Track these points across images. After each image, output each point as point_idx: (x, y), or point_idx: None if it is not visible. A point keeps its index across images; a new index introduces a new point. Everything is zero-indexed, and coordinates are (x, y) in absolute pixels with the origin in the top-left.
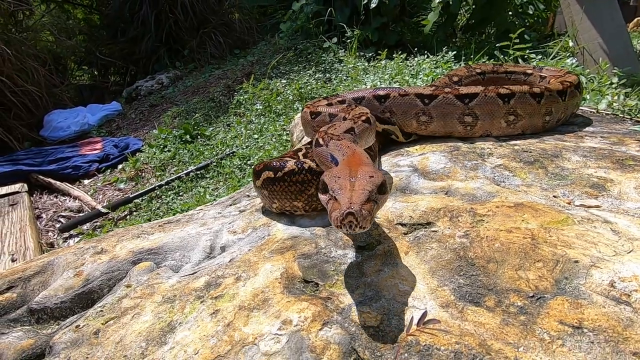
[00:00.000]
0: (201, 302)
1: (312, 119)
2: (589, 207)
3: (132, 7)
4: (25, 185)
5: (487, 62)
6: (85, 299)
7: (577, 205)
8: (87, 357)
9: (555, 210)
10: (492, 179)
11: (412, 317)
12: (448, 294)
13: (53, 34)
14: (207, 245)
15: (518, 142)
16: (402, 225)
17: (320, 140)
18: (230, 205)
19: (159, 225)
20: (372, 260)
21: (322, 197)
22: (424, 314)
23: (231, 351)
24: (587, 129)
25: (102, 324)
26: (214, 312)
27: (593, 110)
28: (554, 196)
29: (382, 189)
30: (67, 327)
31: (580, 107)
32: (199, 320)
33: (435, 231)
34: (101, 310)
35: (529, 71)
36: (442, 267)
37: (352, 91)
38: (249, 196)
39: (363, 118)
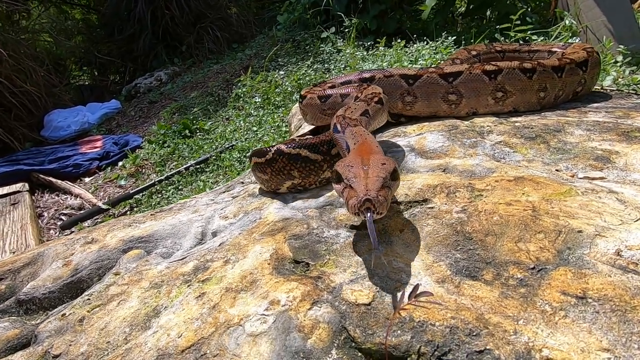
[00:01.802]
0: (188, 285)
1: (322, 102)
2: (593, 179)
3: (128, 5)
4: (27, 184)
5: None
6: (74, 288)
7: (580, 178)
8: (70, 344)
9: (558, 183)
10: (492, 155)
11: (404, 292)
12: (444, 269)
13: (52, 35)
14: (199, 232)
15: (519, 118)
16: (398, 203)
17: (339, 127)
18: (224, 192)
19: (151, 214)
20: (366, 239)
21: (337, 187)
22: (416, 287)
23: (215, 333)
24: (591, 104)
25: (88, 311)
26: (200, 295)
27: (597, 88)
28: (557, 170)
29: (394, 175)
30: (53, 316)
31: None
32: (184, 303)
33: (432, 207)
34: (88, 299)
35: (554, 49)
36: (438, 243)
37: (339, 76)
38: (242, 183)
39: (376, 99)
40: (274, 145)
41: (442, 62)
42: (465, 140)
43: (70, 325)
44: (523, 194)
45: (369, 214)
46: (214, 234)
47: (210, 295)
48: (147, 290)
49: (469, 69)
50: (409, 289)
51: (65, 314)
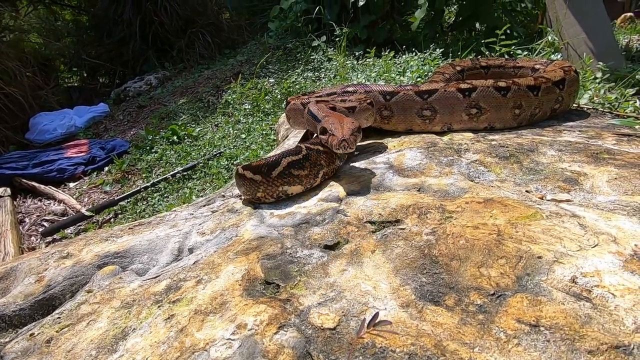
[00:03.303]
0: (158, 306)
1: (305, 107)
2: (560, 201)
3: (116, 10)
4: (8, 189)
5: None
6: (45, 305)
7: (548, 200)
8: None
9: (525, 205)
10: (467, 174)
11: (364, 319)
12: (409, 293)
13: (40, 35)
14: (175, 248)
15: (496, 137)
16: (371, 223)
17: (306, 101)
18: (204, 205)
19: (129, 228)
20: (338, 259)
21: (323, 137)
22: (375, 316)
23: (180, 358)
24: (566, 123)
25: (57, 331)
26: (169, 317)
27: (575, 105)
28: (527, 191)
29: (359, 130)
30: (22, 335)
31: None
32: (152, 326)
33: (403, 229)
34: (58, 317)
35: (537, 66)
36: (406, 266)
37: (324, 88)
38: (223, 196)
39: (368, 101)
40: (298, 147)
41: (430, 74)
42: (443, 159)
43: (37, 346)
44: (491, 216)
45: (345, 148)
46: (191, 250)
47: (179, 317)
48: (118, 310)
49: (444, 87)
50: (369, 316)
51: (34, 333)
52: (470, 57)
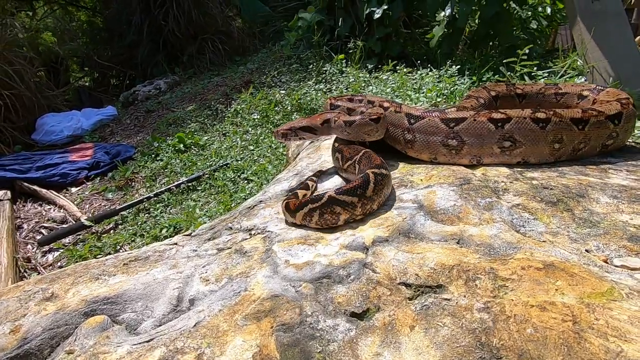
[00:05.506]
0: None
1: (332, 109)
2: (633, 269)
3: (127, 14)
4: (9, 192)
5: (536, 82)
6: None
7: (617, 266)
8: None
9: (595, 276)
10: (511, 222)
11: None
12: None
13: (54, 35)
14: (174, 296)
15: (535, 174)
16: (407, 285)
17: (335, 104)
18: (209, 239)
19: (124, 264)
20: (369, 335)
21: None
22: None
23: None
24: (608, 159)
25: None
26: None
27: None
28: (587, 250)
29: (305, 128)
30: None
31: None
32: None
33: (448, 299)
34: None
35: (585, 92)
36: (459, 357)
37: (367, 94)
38: (231, 229)
39: (374, 117)
40: (371, 171)
41: (445, 91)
42: (480, 200)
43: None
44: (556, 290)
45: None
46: (192, 302)
47: None
48: None
49: (473, 116)
50: None
51: None
52: (501, 80)
